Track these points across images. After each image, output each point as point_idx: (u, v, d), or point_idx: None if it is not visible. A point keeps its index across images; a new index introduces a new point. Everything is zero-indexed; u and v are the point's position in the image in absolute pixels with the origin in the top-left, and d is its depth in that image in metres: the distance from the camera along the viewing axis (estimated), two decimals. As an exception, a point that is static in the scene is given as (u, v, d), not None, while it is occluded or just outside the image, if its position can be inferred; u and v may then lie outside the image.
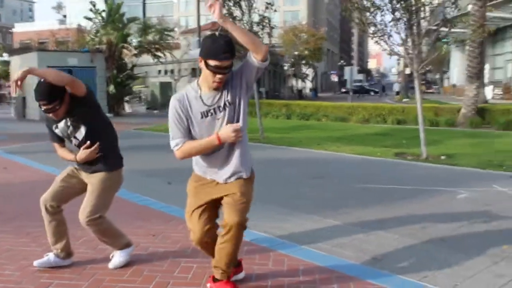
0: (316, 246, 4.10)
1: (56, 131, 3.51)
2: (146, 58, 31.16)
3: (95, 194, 3.45)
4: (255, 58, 2.74)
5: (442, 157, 10.07)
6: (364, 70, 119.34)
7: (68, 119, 3.43)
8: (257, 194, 3.13)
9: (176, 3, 77.38)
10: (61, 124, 3.46)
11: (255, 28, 12.84)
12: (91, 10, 26.61)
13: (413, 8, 9.93)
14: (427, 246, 4.20)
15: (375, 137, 14.24)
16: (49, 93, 3.25)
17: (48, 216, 3.53)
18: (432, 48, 10.84)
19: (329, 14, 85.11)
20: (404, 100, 39.55)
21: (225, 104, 2.82)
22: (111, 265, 3.58)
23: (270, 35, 13.79)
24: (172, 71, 37.39)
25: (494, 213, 5.40)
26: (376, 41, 10.72)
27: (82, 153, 3.43)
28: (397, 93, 46.74)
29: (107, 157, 3.50)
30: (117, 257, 3.60)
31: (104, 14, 26.64)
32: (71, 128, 3.45)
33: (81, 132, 3.44)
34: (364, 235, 4.48)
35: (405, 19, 10.05)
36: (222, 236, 2.89)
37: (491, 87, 31.82)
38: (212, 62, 2.67)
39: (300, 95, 49.50)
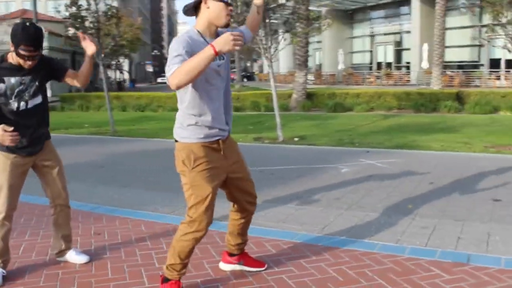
0: (261, 223, 4.43)
1: (7, 81, 3.11)
2: None
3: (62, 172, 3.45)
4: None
5: (296, 139, 11.10)
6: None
7: (28, 76, 3.17)
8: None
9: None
10: (13, 80, 3.11)
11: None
12: None
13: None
14: (354, 212, 4.86)
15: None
16: (40, 40, 3.06)
17: (9, 225, 3.30)
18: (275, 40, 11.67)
19: (140, 4, 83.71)
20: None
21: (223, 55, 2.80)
22: None
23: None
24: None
25: (381, 180, 6.35)
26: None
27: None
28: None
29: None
30: None
31: None
32: (26, 87, 3.17)
33: (37, 97, 3.23)
34: (296, 210, 4.97)
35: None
36: (241, 218, 3.15)
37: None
38: None
39: (120, 86, 48.18)
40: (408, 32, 34.78)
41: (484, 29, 30.64)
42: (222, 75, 2.88)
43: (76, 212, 4.82)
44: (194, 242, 2.88)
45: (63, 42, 24.94)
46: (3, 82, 3.12)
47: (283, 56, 46.33)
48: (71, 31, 13.32)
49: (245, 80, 52.91)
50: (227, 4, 2.73)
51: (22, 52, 3.01)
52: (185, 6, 2.80)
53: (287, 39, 11.92)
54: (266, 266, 3.38)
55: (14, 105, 3.16)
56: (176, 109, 2.92)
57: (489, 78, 28.03)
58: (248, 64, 74.83)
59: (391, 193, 5.63)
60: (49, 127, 3.45)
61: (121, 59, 52.34)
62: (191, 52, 2.58)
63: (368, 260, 3.57)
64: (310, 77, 34.69)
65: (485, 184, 6.02)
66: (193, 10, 2.80)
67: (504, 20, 8.80)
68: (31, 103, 3.22)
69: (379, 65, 38.89)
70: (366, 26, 40.76)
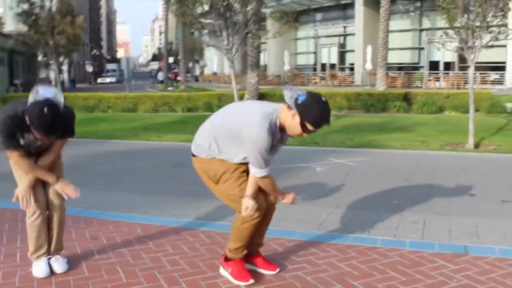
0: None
1: (21, 140, 3.13)
2: None
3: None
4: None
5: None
6: (115, 59, 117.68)
7: None
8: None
9: None
10: (32, 136, 3.10)
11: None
12: None
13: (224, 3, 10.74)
14: (345, 210, 4.99)
15: (181, 125, 14.75)
16: (57, 128, 2.95)
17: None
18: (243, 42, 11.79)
19: (78, 2, 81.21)
20: (169, 88, 40.69)
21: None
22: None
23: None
24: None
25: (358, 179, 6.54)
26: (192, 32, 11.27)
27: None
28: (161, 82, 47.72)
29: None
30: None
31: None
32: (42, 143, 3.21)
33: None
34: (287, 209, 5.03)
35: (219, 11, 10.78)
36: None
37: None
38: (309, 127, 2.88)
39: (62, 87, 46.53)
40: (352, 34, 35.74)
41: (424, 33, 32.09)
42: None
43: (102, 221, 4.69)
44: (253, 227, 3.15)
45: None
46: (23, 138, 3.13)
47: (219, 56, 46.45)
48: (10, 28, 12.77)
49: (190, 79, 52.53)
50: (305, 131, 2.90)
51: (35, 133, 2.97)
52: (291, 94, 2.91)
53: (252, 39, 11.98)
54: (278, 270, 3.40)
55: (25, 149, 3.21)
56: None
57: (429, 80, 29.27)
58: (190, 65, 74.26)
59: (372, 191, 5.81)
60: None
61: (61, 59, 50.76)
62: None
63: (374, 255, 3.69)
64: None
65: (455, 180, 6.33)
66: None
67: (458, 25, 9.22)
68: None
69: (323, 66, 39.73)
70: (310, 28, 41.51)
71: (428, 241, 4.01)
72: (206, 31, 11.05)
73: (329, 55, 39.57)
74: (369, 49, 30.55)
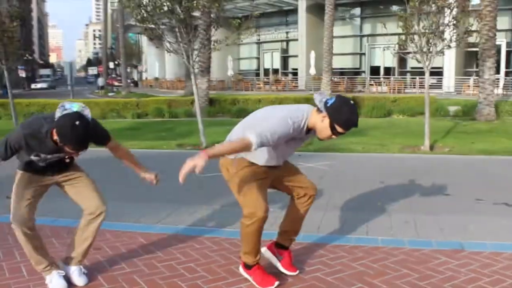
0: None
1: (33, 156, 3.06)
2: None
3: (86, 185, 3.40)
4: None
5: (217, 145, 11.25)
6: (48, 64, 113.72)
7: (65, 154, 3.15)
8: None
9: None
10: (49, 156, 3.10)
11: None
12: None
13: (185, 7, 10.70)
14: (335, 213, 5.15)
15: (133, 132, 14.48)
16: (88, 141, 2.93)
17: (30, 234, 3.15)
18: (203, 47, 11.78)
19: (9, 5, 77.77)
20: (110, 94, 39.79)
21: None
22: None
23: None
24: None
25: (335, 182, 6.75)
26: (149, 37, 11.23)
27: None
28: (101, 87, 46.56)
29: None
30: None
31: None
32: (59, 159, 3.18)
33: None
34: (276, 212, 5.14)
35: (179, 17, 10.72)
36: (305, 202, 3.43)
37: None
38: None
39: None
40: (295, 40, 36.39)
41: (365, 39, 33.20)
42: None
43: (55, 228, 4.58)
44: (257, 231, 3.21)
45: None
46: (39, 156, 3.07)
47: (169, 63, 46.06)
48: None
49: (131, 85, 51.57)
50: (335, 134, 3.00)
51: (66, 149, 2.93)
52: (321, 98, 3.02)
53: (207, 45, 11.98)
54: (298, 271, 3.51)
55: (39, 163, 3.15)
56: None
57: (371, 84, 30.31)
58: (129, 70, 72.89)
59: (353, 193, 6.02)
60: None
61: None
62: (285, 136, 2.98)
63: (380, 254, 3.86)
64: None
65: (426, 181, 6.66)
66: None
67: (414, 34, 9.69)
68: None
69: (266, 71, 40.19)
70: (253, 33, 41.87)
71: (424, 239, 4.24)
72: (167, 36, 10.92)
73: (272, 60, 40.08)
74: (312, 54, 31.24)
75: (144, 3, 10.57)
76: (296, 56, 36.16)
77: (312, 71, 31.36)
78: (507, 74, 27.13)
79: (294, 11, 35.39)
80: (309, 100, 19.69)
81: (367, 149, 9.93)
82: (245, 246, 3.28)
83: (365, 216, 4.93)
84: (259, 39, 41.32)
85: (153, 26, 10.85)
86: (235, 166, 3.22)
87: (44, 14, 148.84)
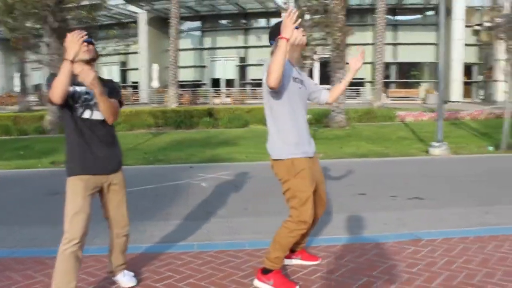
0: (225, 238, 4.60)
1: (76, 88, 3.03)
2: None
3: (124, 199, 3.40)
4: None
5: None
6: None
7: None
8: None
9: None
10: (82, 88, 3.05)
11: None
12: None
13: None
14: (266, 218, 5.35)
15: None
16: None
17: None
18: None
19: None
20: None
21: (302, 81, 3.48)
22: None
23: None
24: None
25: (252, 189, 6.94)
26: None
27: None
28: None
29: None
30: None
31: None
32: (91, 98, 3.07)
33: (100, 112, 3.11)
34: (230, 223, 5.20)
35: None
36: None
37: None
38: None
39: None
40: (135, 53, 35.66)
41: (206, 52, 33.99)
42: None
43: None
44: (298, 237, 3.38)
45: None
46: (72, 86, 3.02)
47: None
48: None
49: None
50: (296, 38, 3.37)
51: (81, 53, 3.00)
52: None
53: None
54: (320, 259, 3.84)
55: (79, 110, 3.07)
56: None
57: (214, 96, 31.10)
58: None
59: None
60: (122, 154, 3.36)
61: None
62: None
63: (375, 250, 4.13)
64: (34, 98, 32.36)
65: (333, 183, 7.21)
66: None
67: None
68: (95, 115, 3.11)
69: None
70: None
71: (395, 232, 4.67)
72: (40, 47, 10.10)
73: (110, 74, 38.74)
74: (155, 67, 30.94)
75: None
76: (136, 69, 35.48)
77: (155, 84, 31.04)
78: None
79: (133, 23, 34.75)
80: (165, 113, 19.57)
81: (252, 158, 10.30)
82: (279, 251, 3.33)
83: (330, 217, 5.22)
84: (99, 51, 39.51)
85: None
86: (293, 169, 3.33)
87: None
